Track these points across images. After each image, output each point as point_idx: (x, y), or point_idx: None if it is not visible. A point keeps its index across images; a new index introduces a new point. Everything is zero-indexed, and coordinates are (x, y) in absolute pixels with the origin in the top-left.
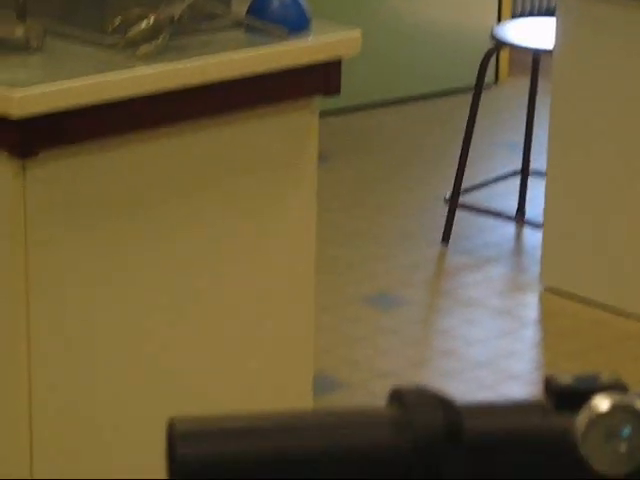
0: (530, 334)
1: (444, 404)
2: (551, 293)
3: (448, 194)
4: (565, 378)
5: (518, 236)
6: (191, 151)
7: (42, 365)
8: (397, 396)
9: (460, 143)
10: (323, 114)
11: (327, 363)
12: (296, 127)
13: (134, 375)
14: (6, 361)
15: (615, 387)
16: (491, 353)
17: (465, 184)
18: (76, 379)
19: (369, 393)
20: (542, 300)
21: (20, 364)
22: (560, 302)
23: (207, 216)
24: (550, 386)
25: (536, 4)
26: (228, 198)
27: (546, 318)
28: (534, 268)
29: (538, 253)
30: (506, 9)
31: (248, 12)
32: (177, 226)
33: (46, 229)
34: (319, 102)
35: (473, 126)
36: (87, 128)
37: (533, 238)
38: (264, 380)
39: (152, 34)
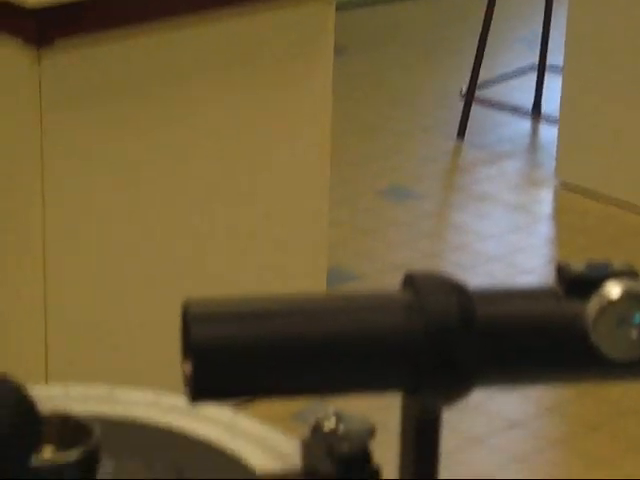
0: (544, 229)
1: (457, 289)
2: (565, 188)
3: (464, 88)
4: (577, 266)
5: (533, 131)
6: (206, 41)
7: (56, 250)
8: (410, 281)
9: (477, 37)
10: (340, 7)
11: (341, 255)
12: (312, 18)
13: (148, 259)
14: (21, 247)
15: (626, 274)
16: (504, 248)
17: (481, 78)
18: (90, 266)
19: (382, 285)
20: (556, 195)
21: (35, 247)
22: (574, 197)
23: (222, 107)
24: (562, 273)
25: None
26: (244, 89)
27: (560, 213)
28: (549, 163)
29: (553, 148)
30: None
31: None
32: (192, 114)
33: (60, 116)
34: None
35: (491, 20)
36: (101, 17)
37: (548, 133)
38: (278, 272)
39: None
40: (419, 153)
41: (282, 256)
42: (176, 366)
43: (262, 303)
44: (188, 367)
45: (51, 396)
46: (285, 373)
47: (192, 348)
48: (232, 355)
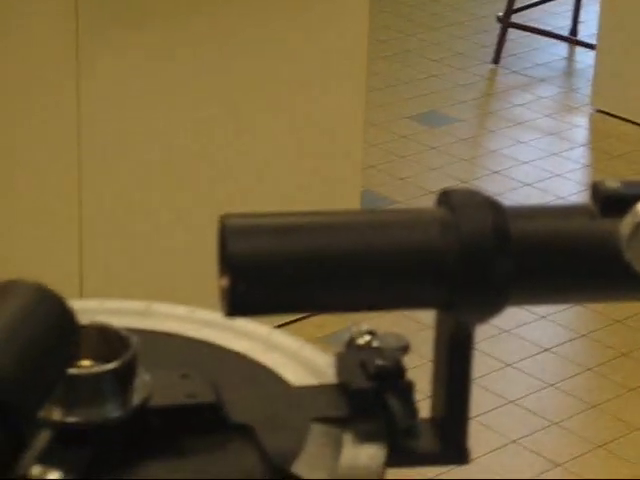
0: (579, 155)
1: (492, 206)
2: (601, 114)
3: (501, 12)
4: (612, 183)
5: (570, 57)
6: None
7: (91, 144)
8: (446, 198)
9: None
10: None
11: (375, 179)
12: None
13: (184, 170)
14: (57, 129)
15: None
16: (539, 174)
17: (518, 3)
18: (126, 169)
19: None
20: (592, 121)
21: (71, 144)
22: (610, 123)
23: (256, 27)
24: (597, 191)
25: None
26: (279, 9)
27: (595, 139)
28: (585, 89)
29: (590, 74)
30: None
31: None
32: (228, 31)
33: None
34: None
35: None
36: None
37: (585, 59)
38: (312, 195)
39: None
40: (455, 78)
41: (316, 179)
42: (213, 282)
43: (299, 218)
44: (224, 282)
45: (87, 310)
46: (321, 288)
47: (228, 262)
48: (268, 269)
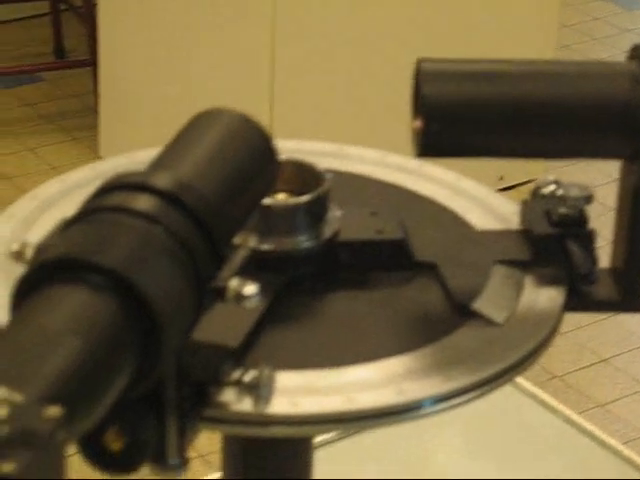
0: None
1: None
2: None
3: None
4: None
5: None
6: None
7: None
8: (638, 52)
9: None
10: None
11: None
12: None
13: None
14: None
15: None
16: None
17: None
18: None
19: None
20: None
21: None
22: None
23: None
24: None
25: None
26: None
27: None
28: None
29: None
30: None
31: None
32: None
33: None
34: None
35: None
36: None
37: None
38: None
39: None
40: None
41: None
42: (405, 126)
43: (493, 65)
44: (417, 124)
45: (284, 149)
46: (511, 133)
47: (422, 104)
48: (460, 112)
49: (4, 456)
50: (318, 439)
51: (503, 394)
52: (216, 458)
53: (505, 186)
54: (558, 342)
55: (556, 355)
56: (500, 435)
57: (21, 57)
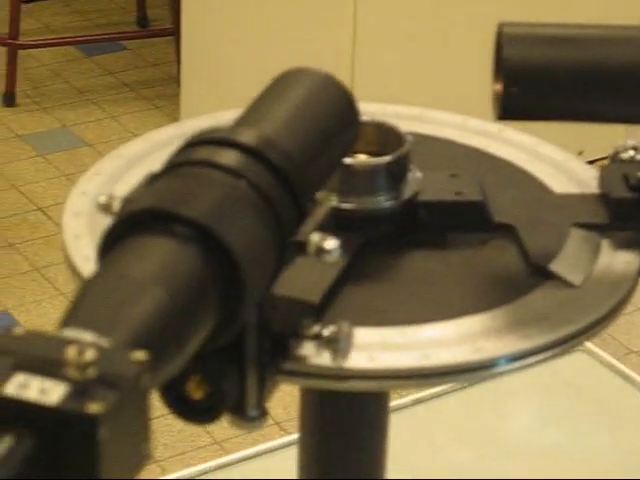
0: None
1: None
2: None
3: None
4: None
5: None
6: None
7: None
8: None
9: None
10: None
11: None
12: None
13: None
14: None
15: None
16: None
17: None
18: None
19: None
20: None
21: None
22: None
23: None
24: None
25: None
26: None
27: None
28: None
29: None
30: None
31: None
32: None
33: None
34: None
35: None
36: None
37: None
38: None
39: None
40: None
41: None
42: (486, 92)
43: (574, 29)
44: (498, 87)
45: (366, 112)
46: (592, 97)
47: (503, 67)
48: (541, 75)
49: (91, 397)
50: (394, 403)
51: (581, 365)
52: (292, 426)
53: (585, 161)
54: (636, 318)
55: (635, 331)
56: (576, 406)
57: (104, 26)
